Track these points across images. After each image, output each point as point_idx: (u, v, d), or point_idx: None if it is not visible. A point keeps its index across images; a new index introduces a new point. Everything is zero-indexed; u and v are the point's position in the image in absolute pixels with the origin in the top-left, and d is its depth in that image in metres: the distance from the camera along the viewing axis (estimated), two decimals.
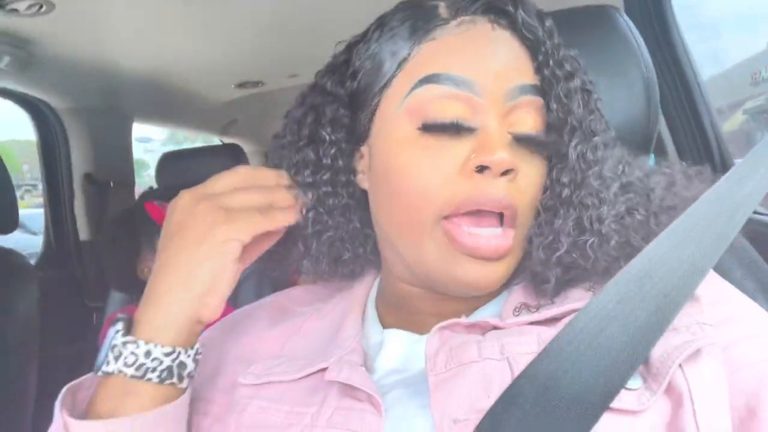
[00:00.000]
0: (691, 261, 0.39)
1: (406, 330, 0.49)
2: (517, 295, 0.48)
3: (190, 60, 1.62)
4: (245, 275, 0.50)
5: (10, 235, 0.94)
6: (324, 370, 0.46)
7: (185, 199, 0.45)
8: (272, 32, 1.45)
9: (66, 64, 1.44)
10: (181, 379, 0.43)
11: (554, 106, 0.46)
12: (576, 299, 0.44)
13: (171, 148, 1.97)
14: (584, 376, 0.36)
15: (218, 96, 2.02)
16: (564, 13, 0.69)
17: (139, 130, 2.03)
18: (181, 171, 1.78)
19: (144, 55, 1.52)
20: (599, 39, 0.70)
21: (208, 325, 0.45)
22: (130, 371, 0.41)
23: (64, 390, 0.44)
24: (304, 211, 0.49)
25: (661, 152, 1.10)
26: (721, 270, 0.49)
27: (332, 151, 0.50)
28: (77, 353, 1.57)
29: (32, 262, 1.47)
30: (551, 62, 0.47)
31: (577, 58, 0.49)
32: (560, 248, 0.44)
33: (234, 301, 0.78)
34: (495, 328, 0.44)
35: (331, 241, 0.50)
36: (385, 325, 0.51)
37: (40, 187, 1.78)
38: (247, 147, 2.42)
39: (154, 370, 0.41)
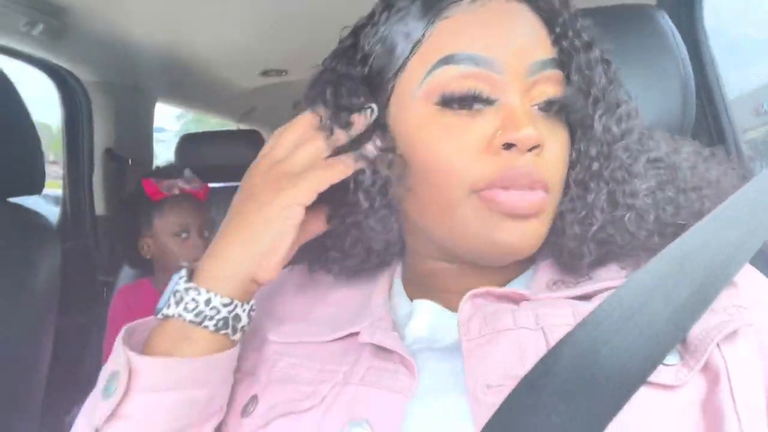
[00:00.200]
0: (735, 245, 0.40)
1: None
2: (544, 271, 0.48)
3: (217, 44, 1.63)
4: None
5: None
6: (355, 335, 0.46)
7: (261, 165, 0.46)
8: (299, 21, 1.46)
9: (96, 38, 1.45)
10: (234, 330, 0.44)
11: (575, 77, 0.45)
12: (609, 278, 0.44)
13: None
14: (624, 349, 0.36)
15: (241, 82, 2.03)
16: (604, 10, 0.70)
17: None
18: (199, 153, 1.80)
19: (172, 35, 1.53)
20: (639, 37, 0.71)
21: None
22: (190, 316, 0.42)
23: (123, 329, 0.45)
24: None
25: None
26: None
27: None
28: (84, 325, 1.58)
29: None
30: (570, 33, 0.46)
31: (592, 27, 0.48)
32: (594, 223, 0.44)
33: None
34: (526, 300, 0.44)
35: (362, 228, 0.48)
36: (412, 300, 0.51)
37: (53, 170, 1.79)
38: (266, 135, 2.44)
39: (211, 318, 0.43)
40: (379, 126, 0.47)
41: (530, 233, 0.44)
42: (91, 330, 1.57)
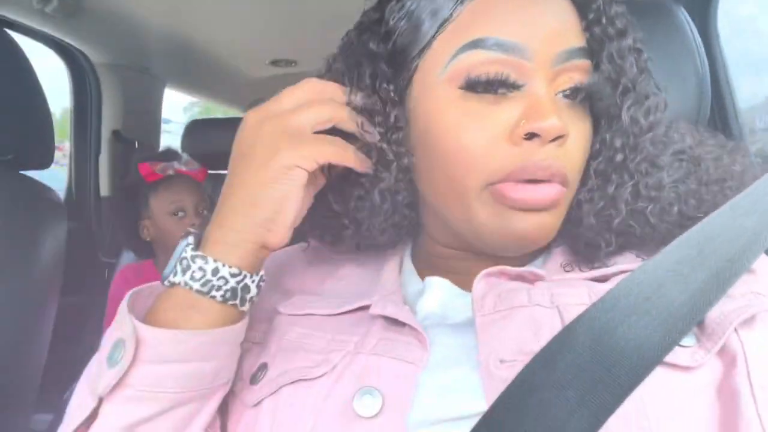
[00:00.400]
0: (754, 231, 0.39)
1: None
2: (558, 256, 0.47)
3: (227, 32, 1.63)
4: None
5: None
6: (365, 308, 0.46)
7: (252, 118, 0.44)
8: (310, 12, 1.46)
9: (109, 19, 1.45)
10: (243, 302, 0.43)
11: (605, 66, 0.43)
12: (625, 263, 0.44)
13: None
14: (640, 328, 0.36)
15: (251, 71, 2.03)
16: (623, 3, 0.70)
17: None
18: (206, 139, 1.80)
19: (183, 21, 1.53)
20: (656, 32, 0.71)
21: None
22: (197, 285, 0.41)
23: (129, 294, 0.44)
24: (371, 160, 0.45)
25: None
26: None
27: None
28: (84, 305, 1.58)
29: None
30: (603, 19, 0.43)
31: (626, 14, 0.45)
32: (615, 215, 0.44)
33: None
34: (541, 280, 0.44)
35: (374, 204, 0.47)
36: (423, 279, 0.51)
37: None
38: None
39: (219, 288, 0.41)
40: (399, 104, 0.46)
41: (544, 224, 0.43)
42: (90, 311, 1.57)
